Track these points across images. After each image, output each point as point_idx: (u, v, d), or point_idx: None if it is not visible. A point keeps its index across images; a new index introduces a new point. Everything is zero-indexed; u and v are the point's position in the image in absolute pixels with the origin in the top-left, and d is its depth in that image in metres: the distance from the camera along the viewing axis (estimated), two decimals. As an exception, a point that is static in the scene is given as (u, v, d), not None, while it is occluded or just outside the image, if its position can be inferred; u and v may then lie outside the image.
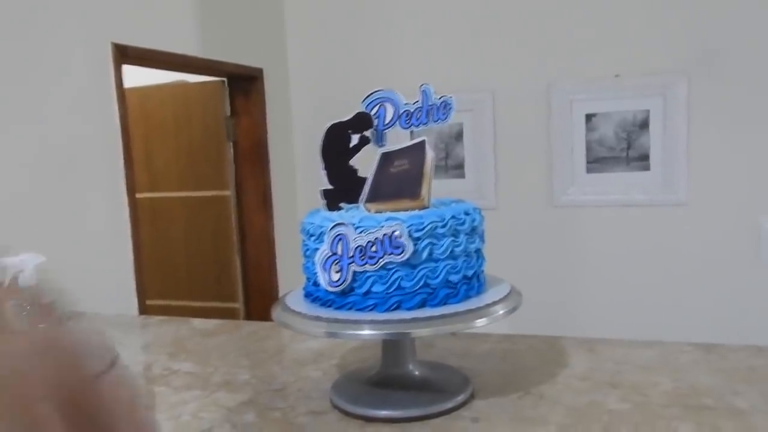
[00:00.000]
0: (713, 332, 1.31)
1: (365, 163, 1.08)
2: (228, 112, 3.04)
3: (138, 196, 2.53)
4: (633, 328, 2.75)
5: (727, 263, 2.70)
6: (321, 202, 1.07)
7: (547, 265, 2.94)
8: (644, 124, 2.78)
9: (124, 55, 2.17)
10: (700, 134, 2.69)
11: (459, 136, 3.04)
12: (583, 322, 2.90)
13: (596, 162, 2.86)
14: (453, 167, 3.07)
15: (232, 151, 3.06)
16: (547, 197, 2.93)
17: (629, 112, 2.79)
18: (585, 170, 2.88)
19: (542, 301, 2.86)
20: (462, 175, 3.06)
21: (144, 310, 2.31)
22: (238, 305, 3.12)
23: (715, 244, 2.71)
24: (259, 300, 3.06)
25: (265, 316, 1.38)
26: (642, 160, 2.80)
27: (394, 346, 1.07)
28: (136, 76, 2.83)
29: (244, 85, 3.01)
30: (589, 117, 2.84)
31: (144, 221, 3.02)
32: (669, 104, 2.72)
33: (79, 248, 2.02)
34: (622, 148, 2.82)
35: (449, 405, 1.00)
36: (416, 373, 1.07)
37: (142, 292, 2.31)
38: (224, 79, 3.00)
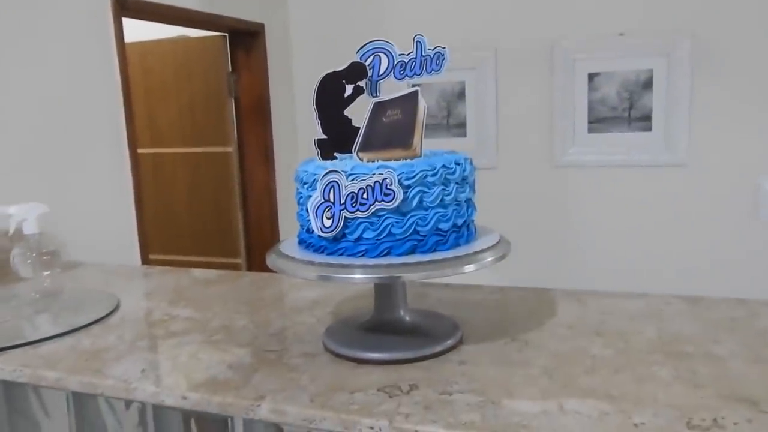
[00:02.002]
0: (710, 292, 1.34)
1: (360, 113, 1.09)
2: (229, 68, 3.03)
3: (140, 151, 2.54)
4: (630, 287, 2.78)
5: (726, 224, 2.71)
6: (315, 152, 1.09)
7: (547, 224, 2.96)
8: (647, 84, 2.76)
9: (124, 7, 2.16)
10: (702, 95, 2.67)
11: (461, 94, 3.03)
12: (581, 280, 2.93)
13: (598, 122, 2.85)
14: (454, 126, 3.06)
15: (233, 107, 3.06)
16: (547, 157, 2.93)
17: (632, 71, 2.77)
18: (586, 130, 2.87)
19: (541, 260, 2.90)
20: (463, 134, 3.06)
21: (147, 264, 2.35)
22: (240, 260, 3.17)
23: (715, 205, 2.72)
24: (261, 255, 3.09)
25: (266, 270, 1.41)
26: (644, 121, 2.79)
27: (385, 293, 1.10)
28: (136, 31, 2.81)
29: (245, 40, 2.99)
30: (591, 76, 2.82)
31: (146, 177, 3.05)
32: (672, 64, 2.70)
33: (81, 203, 2.05)
34: (624, 108, 2.81)
35: (438, 348, 1.03)
36: (407, 319, 1.11)
37: (145, 246, 2.35)
38: (225, 34, 2.98)
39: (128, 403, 1.07)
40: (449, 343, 1.05)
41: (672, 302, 1.26)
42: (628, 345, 1.06)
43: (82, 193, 2.06)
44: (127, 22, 2.24)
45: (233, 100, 3.05)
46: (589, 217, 2.93)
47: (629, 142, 2.82)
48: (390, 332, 1.08)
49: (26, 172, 1.86)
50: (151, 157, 3.18)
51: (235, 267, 3.14)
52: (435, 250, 0.98)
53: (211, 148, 3.12)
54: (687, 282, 2.70)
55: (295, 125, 3.25)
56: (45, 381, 1.06)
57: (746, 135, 2.64)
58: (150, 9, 2.29)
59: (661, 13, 2.68)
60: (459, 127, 3.06)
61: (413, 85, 1.06)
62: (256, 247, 3.13)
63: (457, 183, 0.99)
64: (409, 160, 0.98)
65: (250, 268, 3.14)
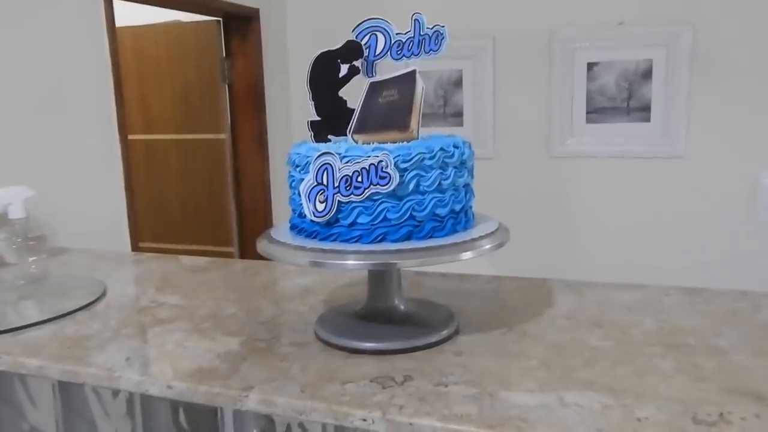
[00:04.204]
0: (708, 283, 1.32)
1: (355, 95, 1.06)
2: (223, 54, 2.98)
3: (133, 137, 2.48)
4: (627, 278, 2.75)
5: (723, 217, 2.69)
6: (309, 134, 1.06)
7: (544, 215, 2.93)
8: (646, 74, 2.72)
9: (115, -12, 2.11)
10: (702, 86, 2.64)
11: (458, 83, 2.99)
12: (578, 271, 2.89)
13: (596, 112, 2.81)
14: (451, 115, 3.02)
15: (227, 93, 3.01)
16: (545, 147, 2.90)
17: (631, 61, 2.73)
18: (584, 120, 2.84)
19: (538, 251, 2.86)
20: (460, 123, 3.02)
21: (137, 251, 2.31)
22: (233, 249, 3.12)
23: (713, 198, 2.69)
24: (254, 244, 3.04)
25: (259, 259, 1.39)
26: (643, 111, 2.75)
27: (380, 281, 1.06)
28: (129, 15, 2.76)
29: (239, 25, 2.93)
30: (590, 66, 2.79)
31: (139, 164, 3.00)
32: (672, 54, 2.67)
33: (70, 188, 2.00)
34: (623, 99, 2.78)
35: (433, 339, 1.00)
36: (402, 307, 1.07)
37: (135, 234, 2.30)
38: (219, 18, 2.93)
39: (115, 393, 1.03)
40: (445, 333, 1.02)
41: (671, 293, 1.24)
42: (628, 337, 1.03)
43: (71, 179, 2.01)
44: (120, 5, 2.19)
45: (227, 86, 3.00)
46: (586, 208, 2.90)
47: (628, 132, 2.78)
48: (384, 321, 1.05)
49: (14, 156, 1.81)
50: (143, 143, 3.13)
51: (227, 256, 3.10)
52: (432, 237, 0.94)
53: (205, 135, 3.07)
54: (684, 273, 2.68)
55: (290, 112, 3.21)
56: (26, 369, 1.02)
57: (746, 128, 2.61)
58: (142, -10, 2.24)
59: (662, 2, 2.64)
60: (456, 116, 3.02)
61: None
62: (249, 235, 3.08)
63: (455, 167, 0.96)
64: (405, 143, 0.95)
65: (242, 256, 3.10)
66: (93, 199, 2.12)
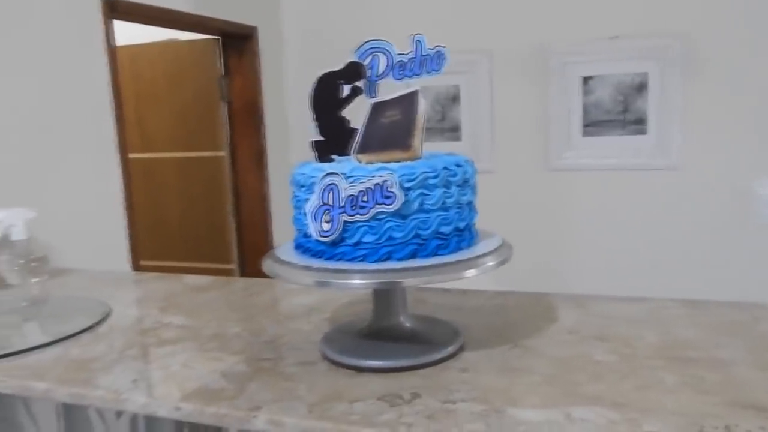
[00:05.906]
0: (704, 294, 1.33)
1: (357, 114, 1.07)
2: (221, 72, 3.00)
3: (131, 156, 2.49)
4: (625, 290, 2.76)
5: (719, 227, 2.70)
6: (312, 154, 1.07)
7: (542, 228, 2.95)
8: (641, 87, 2.75)
9: (113, 9, 2.13)
10: (695, 98, 2.67)
11: (455, 98, 3.01)
12: (577, 284, 2.91)
13: (592, 125, 2.84)
14: (449, 130, 3.04)
15: (226, 111, 3.03)
16: (543, 161, 2.92)
17: (627, 75, 2.76)
18: (581, 134, 2.86)
19: (538, 265, 2.87)
20: (458, 138, 3.04)
21: (138, 270, 2.31)
22: (233, 266, 3.13)
23: (708, 209, 2.71)
24: (254, 261, 3.06)
25: (259, 276, 1.40)
26: (638, 124, 2.78)
27: (385, 298, 1.07)
28: (126, 34, 2.77)
29: (237, 43, 2.96)
30: (585, 80, 2.82)
31: (137, 182, 3.00)
32: (666, 66, 2.70)
33: (71, 208, 2.00)
34: (618, 112, 2.80)
35: (438, 356, 1.01)
36: (407, 325, 1.08)
37: (136, 253, 2.31)
38: (217, 37, 2.95)
39: (119, 413, 1.03)
40: (450, 349, 1.02)
41: (670, 306, 1.24)
42: (631, 350, 1.04)
43: (71, 199, 2.02)
44: (117, 25, 2.21)
45: (226, 104, 3.02)
46: (584, 219, 2.92)
47: (624, 145, 2.81)
48: (389, 339, 1.06)
49: (14, 177, 1.82)
50: (142, 162, 3.14)
51: (227, 273, 3.10)
52: (436, 255, 0.95)
53: (203, 153, 3.09)
54: (681, 284, 2.69)
55: (288, 129, 3.22)
56: (32, 392, 1.02)
57: (739, 138, 2.64)
58: (140, 11, 2.26)
59: (654, 16, 2.68)
60: (453, 131, 3.04)
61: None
62: (249, 252, 3.09)
63: (458, 185, 0.97)
64: (409, 162, 0.96)
65: (243, 273, 3.10)
66: (94, 218, 2.12)
